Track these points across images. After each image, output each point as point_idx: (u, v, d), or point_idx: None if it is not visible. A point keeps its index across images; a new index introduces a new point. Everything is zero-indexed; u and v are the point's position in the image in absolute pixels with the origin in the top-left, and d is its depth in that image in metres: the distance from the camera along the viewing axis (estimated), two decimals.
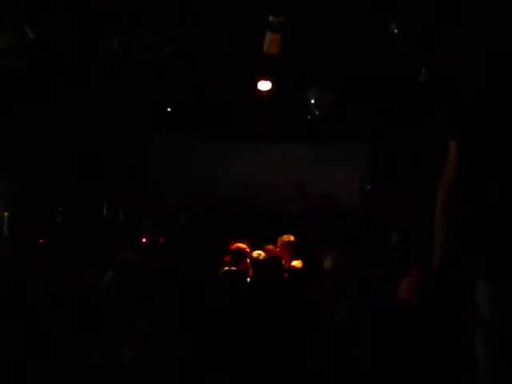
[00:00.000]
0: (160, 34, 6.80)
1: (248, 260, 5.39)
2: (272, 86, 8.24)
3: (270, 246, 5.91)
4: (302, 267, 5.53)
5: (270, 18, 6.49)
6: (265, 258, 5.26)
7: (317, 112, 8.13)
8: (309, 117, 8.47)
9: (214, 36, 6.85)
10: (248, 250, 5.54)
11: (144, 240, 7.83)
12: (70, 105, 8.17)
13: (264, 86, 8.19)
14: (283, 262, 5.35)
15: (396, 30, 6.51)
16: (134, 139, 9.25)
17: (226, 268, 5.13)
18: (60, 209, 8.47)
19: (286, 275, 5.10)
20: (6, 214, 8.02)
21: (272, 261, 5.10)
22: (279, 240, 6.04)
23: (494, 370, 2.40)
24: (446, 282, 2.54)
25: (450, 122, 2.59)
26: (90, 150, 8.57)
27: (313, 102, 8.11)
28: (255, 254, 5.33)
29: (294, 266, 5.60)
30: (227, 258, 5.55)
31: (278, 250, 5.93)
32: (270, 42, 6.67)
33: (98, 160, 8.70)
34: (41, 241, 7.37)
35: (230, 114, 9.03)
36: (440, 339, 3.37)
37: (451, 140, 2.53)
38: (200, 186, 9.45)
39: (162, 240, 7.71)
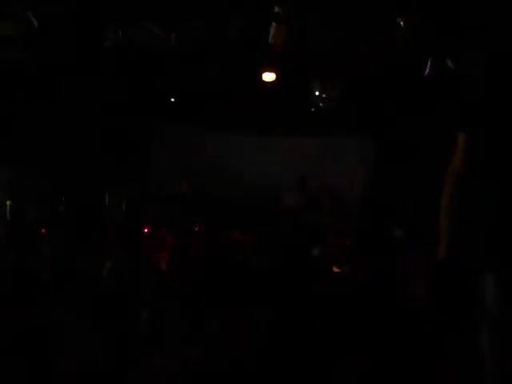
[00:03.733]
0: (163, 24, 6.77)
1: None
2: (275, 78, 8.19)
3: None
4: None
5: (276, 9, 6.46)
6: None
7: (321, 104, 8.09)
8: (312, 109, 8.43)
9: (219, 27, 6.81)
10: None
11: (146, 230, 7.83)
12: (72, 94, 8.14)
13: (268, 76, 8.12)
14: None
15: (402, 23, 6.48)
16: (137, 130, 9.22)
17: None
18: (63, 198, 8.46)
19: None
20: (8, 202, 8.02)
21: None
22: None
23: (501, 367, 2.39)
24: (452, 274, 2.53)
25: (459, 116, 2.58)
26: (92, 140, 8.55)
27: (317, 94, 8.07)
28: None
29: None
30: None
31: None
32: (276, 34, 6.64)
33: (101, 150, 8.68)
34: (43, 230, 7.37)
35: (230, 106, 8.99)
36: (446, 333, 3.36)
37: (460, 133, 2.53)
38: (200, 177, 9.43)
39: (164, 230, 7.70)
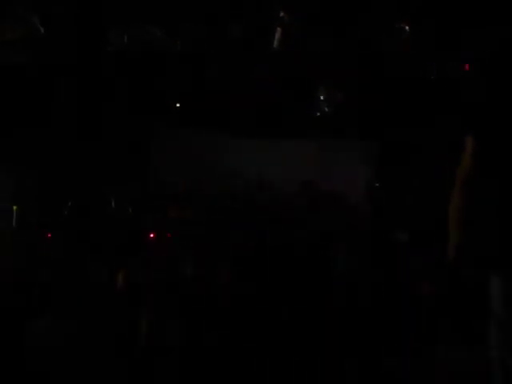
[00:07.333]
0: (166, 28, 6.80)
1: None
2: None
3: None
4: None
5: (281, 14, 6.49)
6: None
7: (326, 109, 8.09)
8: (318, 114, 8.42)
9: (219, 27, 6.83)
10: None
11: (152, 235, 7.81)
12: (73, 95, 8.15)
13: None
14: None
15: (406, 28, 6.49)
16: (137, 130, 9.21)
17: None
18: (69, 203, 8.46)
19: None
20: (14, 207, 8.04)
21: None
22: None
23: (506, 368, 2.38)
24: (461, 276, 2.53)
25: (465, 119, 2.59)
26: (96, 144, 8.56)
27: (322, 98, 8.07)
28: None
29: None
30: None
31: None
32: (280, 38, 6.66)
33: (105, 154, 8.68)
34: (49, 235, 7.38)
35: (231, 109, 8.98)
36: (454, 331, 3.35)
37: (467, 137, 2.53)
38: (202, 180, 9.41)
39: (169, 235, 7.68)
